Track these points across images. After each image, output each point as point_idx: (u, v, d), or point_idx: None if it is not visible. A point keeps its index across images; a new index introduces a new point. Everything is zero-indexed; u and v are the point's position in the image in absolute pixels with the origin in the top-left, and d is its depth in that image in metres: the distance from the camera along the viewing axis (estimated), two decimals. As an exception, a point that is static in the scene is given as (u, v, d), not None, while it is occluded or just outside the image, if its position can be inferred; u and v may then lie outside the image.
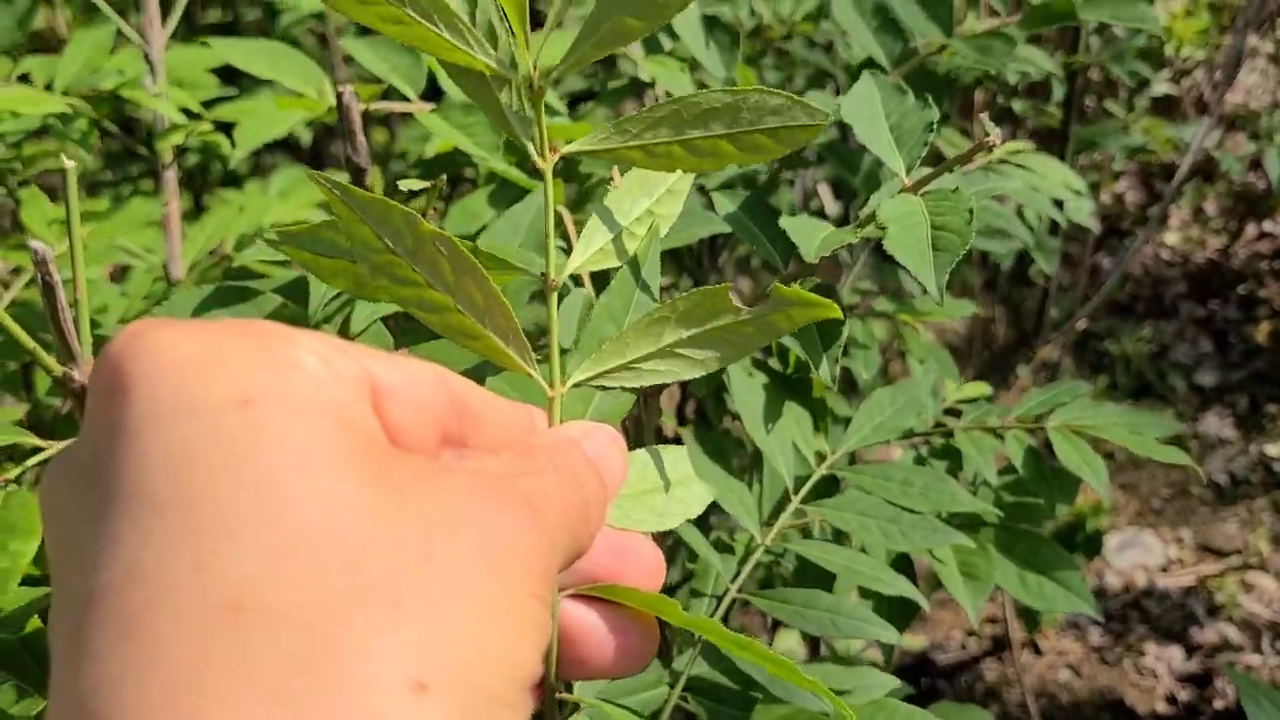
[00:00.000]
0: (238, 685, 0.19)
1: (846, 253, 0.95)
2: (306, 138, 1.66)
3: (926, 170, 0.52)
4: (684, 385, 0.85)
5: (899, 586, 0.56)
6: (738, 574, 0.59)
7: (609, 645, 0.30)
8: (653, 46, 0.74)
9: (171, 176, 0.79)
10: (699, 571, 0.60)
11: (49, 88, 0.82)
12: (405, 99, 0.66)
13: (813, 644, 0.95)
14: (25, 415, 0.74)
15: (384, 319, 0.52)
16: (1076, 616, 1.73)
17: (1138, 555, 1.84)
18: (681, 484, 0.37)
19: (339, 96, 0.59)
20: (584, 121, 0.70)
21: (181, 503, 0.21)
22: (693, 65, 0.75)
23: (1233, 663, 1.65)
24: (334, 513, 0.21)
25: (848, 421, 0.67)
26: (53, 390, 0.70)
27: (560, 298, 0.56)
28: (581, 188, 0.65)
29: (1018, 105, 1.24)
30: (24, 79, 0.83)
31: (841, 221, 1.32)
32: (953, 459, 0.68)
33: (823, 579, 0.62)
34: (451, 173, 0.70)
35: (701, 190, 0.68)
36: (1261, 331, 2.28)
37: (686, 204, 0.65)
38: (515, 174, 0.60)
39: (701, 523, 0.72)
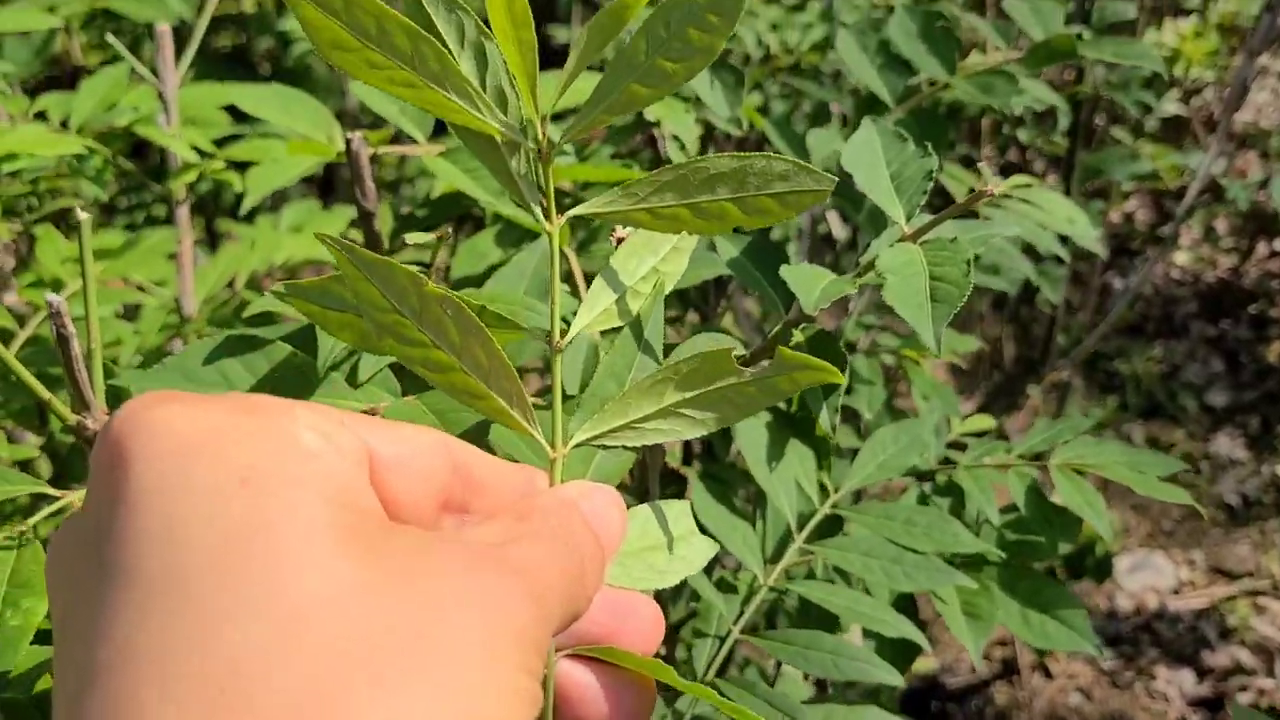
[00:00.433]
0: None
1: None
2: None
3: (927, 217, 0.53)
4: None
5: (902, 629, 0.56)
6: (741, 614, 0.59)
7: (606, 706, 0.30)
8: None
9: (184, 213, 0.80)
10: (702, 611, 0.60)
11: (65, 124, 0.83)
12: (413, 140, 0.67)
13: (820, 682, 0.95)
14: (41, 448, 0.76)
15: (391, 366, 0.53)
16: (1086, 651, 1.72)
17: (1149, 577, 1.83)
18: (684, 539, 0.37)
19: (348, 143, 0.60)
20: (589, 162, 0.71)
21: (178, 582, 0.21)
22: (698, 103, 0.76)
23: (1245, 686, 1.64)
24: (328, 594, 0.22)
25: (853, 454, 0.67)
26: (66, 428, 0.71)
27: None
28: (589, 230, 0.66)
29: (1023, 134, 1.24)
30: (40, 116, 0.85)
31: (849, 246, 1.33)
32: (956, 496, 0.68)
33: (825, 618, 0.63)
34: (458, 212, 0.71)
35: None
36: (1273, 351, 2.27)
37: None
38: (522, 217, 0.61)
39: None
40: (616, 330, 0.41)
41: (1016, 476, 0.68)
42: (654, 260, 0.41)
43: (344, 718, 0.21)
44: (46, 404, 0.48)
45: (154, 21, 1.26)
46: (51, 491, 0.46)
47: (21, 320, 0.75)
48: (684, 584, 0.72)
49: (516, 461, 0.36)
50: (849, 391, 0.75)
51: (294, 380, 0.49)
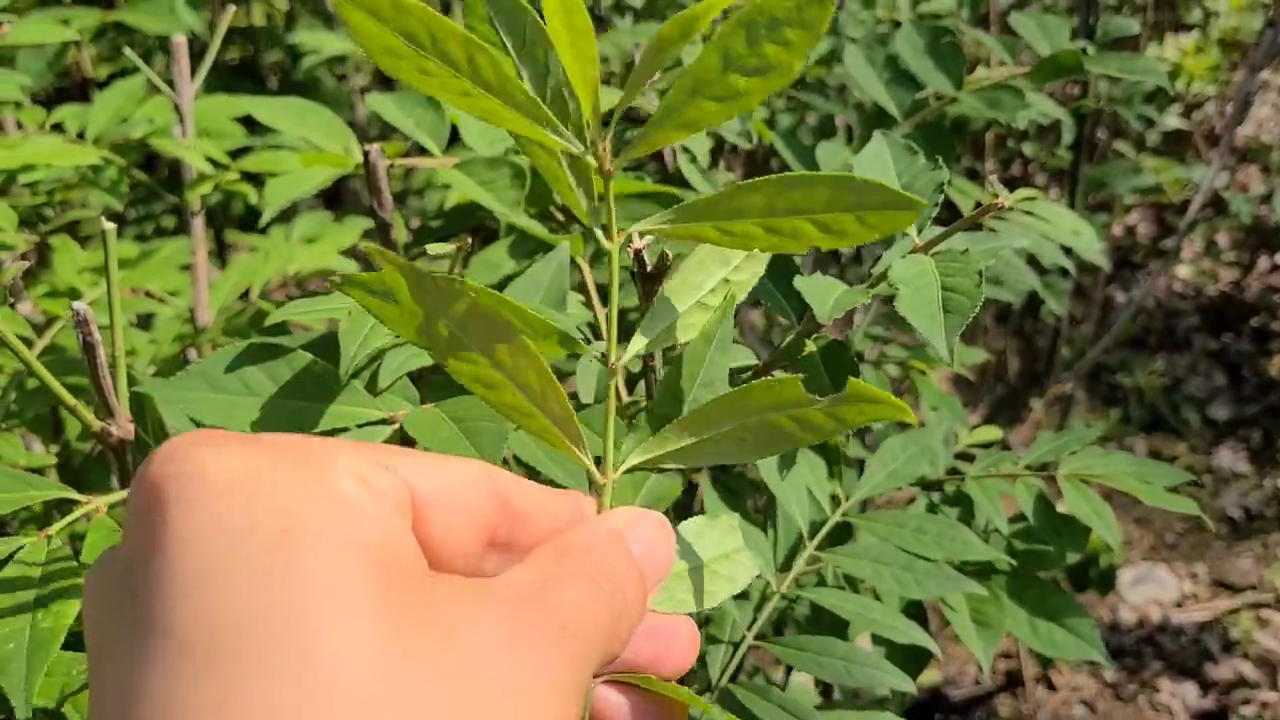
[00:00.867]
0: None
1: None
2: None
3: (938, 230, 0.54)
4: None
5: (912, 635, 0.57)
6: (754, 620, 0.60)
7: None
8: (669, 99, 0.76)
9: (199, 224, 0.81)
10: (716, 618, 0.61)
11: (80, 136, 0.84)
12: (428, 152, 0.68)
13: (826, 684, 0.95)
14: (55, 457, 0.76)
15: (410, 374, 0.54)
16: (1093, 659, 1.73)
17: (1152, 590, 1.84)
18: (728, 557, 0.36)
19: (366, 155, 0.60)
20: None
21: (210, 637, 0.21)
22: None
23: (1248, 700, 1.64)
24: (362, 657, 0.21)
25: (861, 463, 0.68)
26: (83, 435, 0.72)
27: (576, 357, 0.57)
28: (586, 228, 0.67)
29: (1028, 148, 1.25)
30: (57, 128, 0.86)
31: (854, 259, 1.33)
32: (965, 506, 0.69)
33: (836, 624, 0.63)
34: (472, 224, 0.72)
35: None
36: (1275, 365, 2.28)
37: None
38: (536, 229, 0.62)
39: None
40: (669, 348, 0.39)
41: (1024, 487, 0.68)
42: (724, 271, 0.39)
43: None
44: (72, 410, 0.49)
45: (165, 34, 1.27)
46: (77, 496, 0.47)
47: (38, 329, 0.76)
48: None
49: (543, 478, 0.36)
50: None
51: (315, 387, 0.50)
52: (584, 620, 0.26)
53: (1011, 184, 1.55)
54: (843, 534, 0.65)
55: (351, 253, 0.88)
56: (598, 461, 0.34)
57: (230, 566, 0.21)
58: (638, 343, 0.37)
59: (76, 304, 0.48)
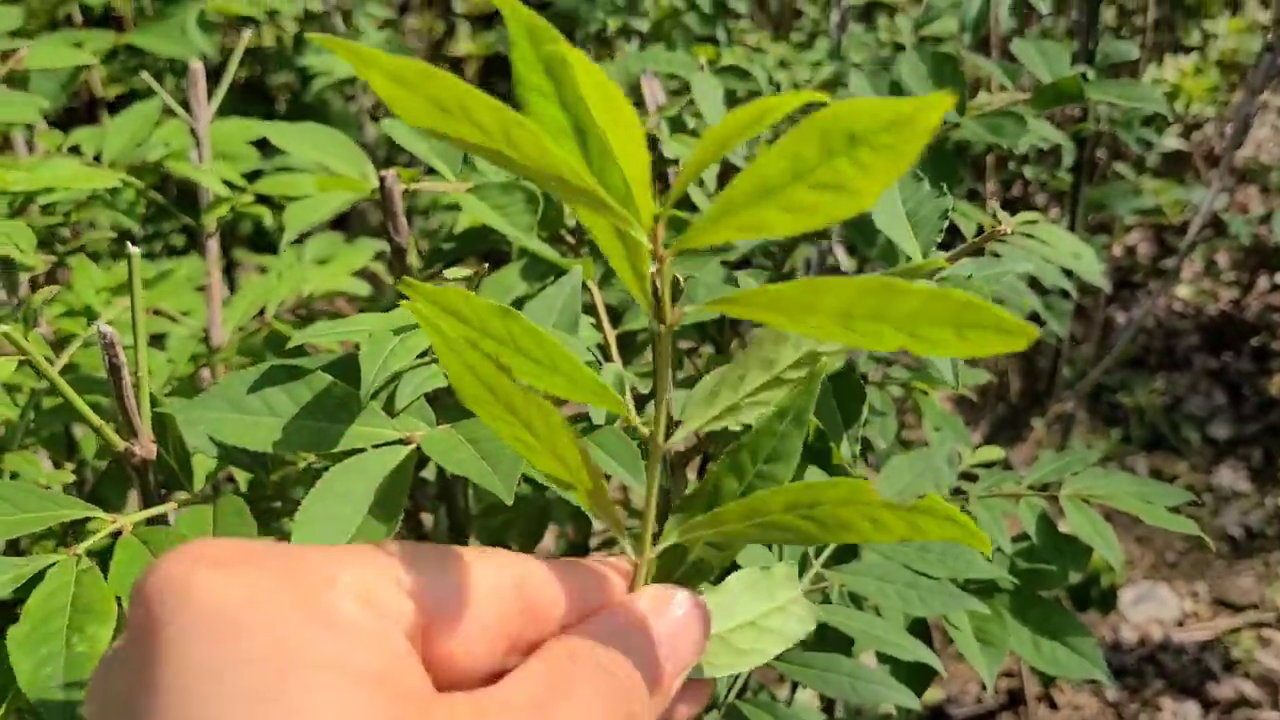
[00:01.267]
0: None
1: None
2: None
3: (942, 254, 0.55)
4: (705, 452, 0.87)
5: (917, 652, 0.58)
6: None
7: None
8: (677, 125, 0.77)
9: (214, 246, 0.82)
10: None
11: (97, 159, 0.86)
12: (442, 176, 0.69)
13: (828, 701, 0.96)
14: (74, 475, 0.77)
15: (426, 395, 0.55)
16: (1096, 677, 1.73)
17: (1153, 609, 1.84)
18: (781, 609, 0.33)
19: (382, 180, 0.62)
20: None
21: None
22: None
23: (1250, 719, 1.64)
24: None
25: (865, 484, 0.69)
26: (100, 453, 0.73)
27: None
28: (609, 264, 0.68)
29: (1029, 170, 1.27)
30: (74, 150, 0.87)
31: (857, 274, 1.34)
32: (968, 525, 0.70)
33: (840, 642, 0.64)
34: (483, 247, 0.73)
35: (725, 264, 0.70)
36: (1275, 384, 2.29)
37: (712, 277, 0.68)
38: (549, 253, 0.63)
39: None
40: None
41: (1027, 506, 0.69)
42: (807, 345, 0.36)
43: None
44: (98, 430, 0.50)
45: (177, 57, 1.29)
46: (102, 515, 0.48)
47: (54, 347, 0.77)
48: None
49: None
50: (865, 423, 0.77)
51: (335, 408, 0.51)
52: None
53: (1012, 205, 1.56)
54: (848, 553, 0.65)
55: (363, 274, 0.89)
56: (635, 538, 0.32)
57: (225, 700, 0.21)
58: (694, 421, 0.34)
59: (103, 327, 0.49)
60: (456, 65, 2.66)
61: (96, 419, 0.49)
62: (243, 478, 0.60)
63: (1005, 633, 0.64)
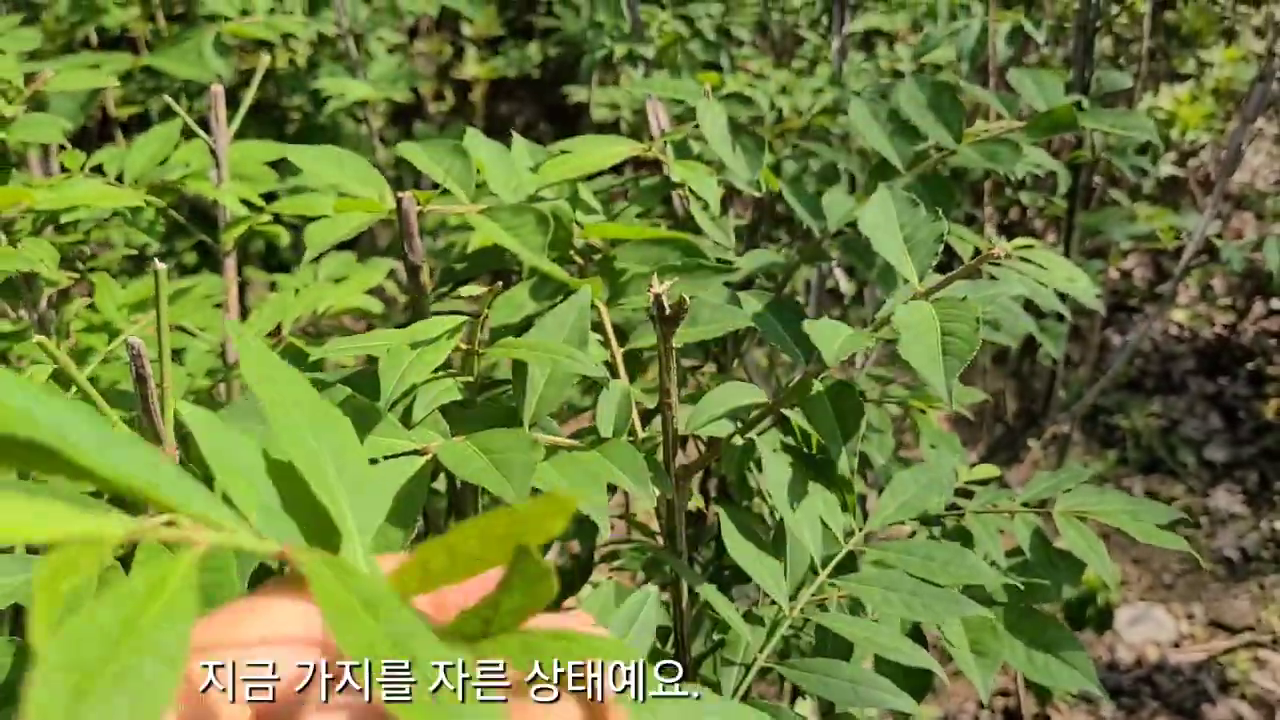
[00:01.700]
0: None
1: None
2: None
3: (938, 277, 0.57)
4: (707, 466, 0.89)
5: (917, 657, 0.59)
6: (766, 644, 0.63)
7: None
8: (682, 150, 0.79)
9: (231, 264, 0.84)
10: (730, 641, 0.63)
11: (119, 178, 0.88)
12: (451, 194, 0.71)
13: (826, 711, 0.98)
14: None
15: (440, 409, 0.57)
16: (1089, 690, 1.74)
17: (1149, 630, 1.86)
18: None
19: (399, 201, 0.64)
20: (619, 221, 0.75)
21: None
22: (720, 166, 0.81)
23: (1245, 740, 1.66)
24: None
25: (861, 499, 0.71)
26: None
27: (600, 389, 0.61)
28: (616, 284, 0.70)
29: (1025, 196, 1.29)
30: (96, 170, 0.90)
31: (855, 300, 1.36)
32: (964, 540, 0.72)
33: (841, 649, 0.66)
34: (495, 266, 0.75)
35: (728, 285, 0.73)
36: (1270, 408, 2.31)
37: (715, 297, 0.70)
38: (558, 272, 0.65)
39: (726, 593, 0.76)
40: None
41: (1022, 522, 0.71)
42: None
43: None
44: (126, 440, 0.52)
45: (193, 79, 1.32)
46: (127, 518, 0.50)
47: (77, 363, 0.79)
48: (703, 617, 0.76)
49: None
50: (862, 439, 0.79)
51: (353, 419, 0.53)
52: None
53: (1009, 230, 1.59)
54: (852, 564, 0.67)
55: (374, 291, 0.91)
56: None
57: None
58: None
59: (133, 339, 0.52)
60: (464, 88, 2.69)
61: (125, 429, 0.51)
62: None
63: (999, 645, 0.66)
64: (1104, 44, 2.25)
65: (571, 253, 0.73)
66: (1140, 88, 1.61)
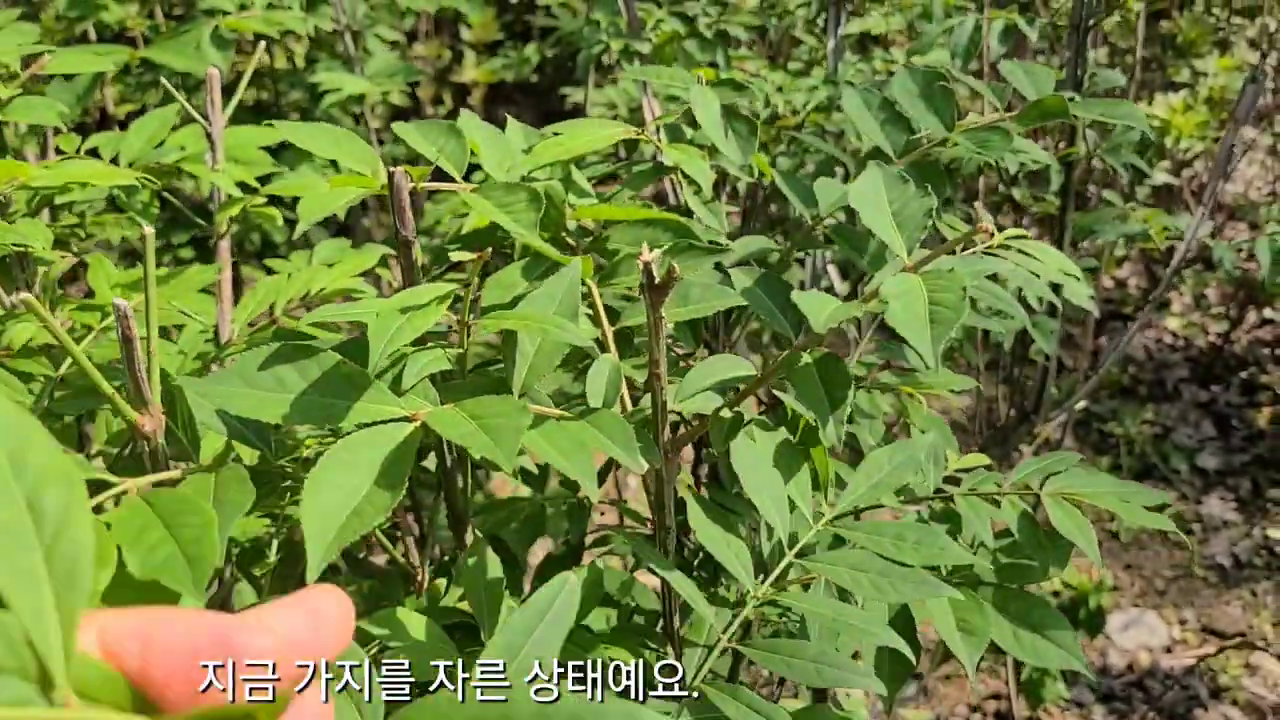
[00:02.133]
0: None
1: (854, 329, 1.01)
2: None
3: (926, 252, 0.58)
4: (698, 447, 0.89)
5: (889, 637, 0.59)
6: (729, 625, 0.62)
7: None
8: (675, 134, 0.80)
9: (225, 246, 0.85)
10: (694, 623, 0.63)
11: (114, 161, 0.88)
12: (449, 177, 0.72)
13: (819, 695, 0.97)
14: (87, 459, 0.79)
15: (431, 376, 0.58)
16: (1080, 695, 1.74)
17: (1141, 635, 1.86)
18: None
19: (391, 176, 0.65)
20: (612, 203, 0.76)
21: None
22: (712, 151, 0.81)
23: (1237, 745, 1.65)
24: None
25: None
26: (111, 439, 0.75)
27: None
28: (610, 262, 0.71)
29: (1018, 193, 1.30)
30: (92, 153, 0.90)
31: (849, 298, 1.37)
32: (952, 522, 0.72)
33: (824, 634, 0.66)
34: (489, 245, 0.75)
35: (719, 267, 0.73)
36: (1263, 416, 2.32)
37: (706, 278, 0.70)
38: (550, 250, 0.65)
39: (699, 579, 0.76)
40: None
41: (1010, 503, 0.71)
42: None
43: None
44: (110, 399, 0.52)
45: (190, 71, 1.32)
46: (112, 479, 0.50)
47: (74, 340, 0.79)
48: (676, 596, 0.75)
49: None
50: (850, 421, 0.79)
51: (343, 385, 0.53)
52: None
53: (1002, 229, 1.59)
54: (829, 545, 0.67)
55: (366, 275, 0.91)
56: None
57: None
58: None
59: (118, 300, 0.52)
60: (462, 92, 2.70)
61: (109, 388, 0.51)
62: (248, 456, 0.62)
63: (986, 623, 0.66)
64: (1099, 53, 2.27)
65: (564, 234, 0.74)
66: (1134, 97, 1.62)
